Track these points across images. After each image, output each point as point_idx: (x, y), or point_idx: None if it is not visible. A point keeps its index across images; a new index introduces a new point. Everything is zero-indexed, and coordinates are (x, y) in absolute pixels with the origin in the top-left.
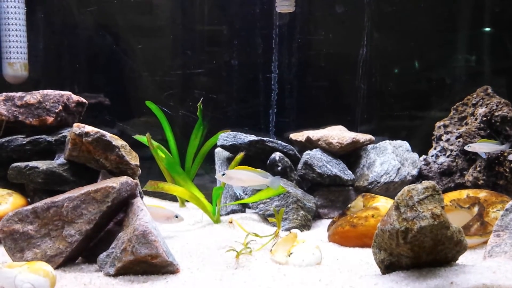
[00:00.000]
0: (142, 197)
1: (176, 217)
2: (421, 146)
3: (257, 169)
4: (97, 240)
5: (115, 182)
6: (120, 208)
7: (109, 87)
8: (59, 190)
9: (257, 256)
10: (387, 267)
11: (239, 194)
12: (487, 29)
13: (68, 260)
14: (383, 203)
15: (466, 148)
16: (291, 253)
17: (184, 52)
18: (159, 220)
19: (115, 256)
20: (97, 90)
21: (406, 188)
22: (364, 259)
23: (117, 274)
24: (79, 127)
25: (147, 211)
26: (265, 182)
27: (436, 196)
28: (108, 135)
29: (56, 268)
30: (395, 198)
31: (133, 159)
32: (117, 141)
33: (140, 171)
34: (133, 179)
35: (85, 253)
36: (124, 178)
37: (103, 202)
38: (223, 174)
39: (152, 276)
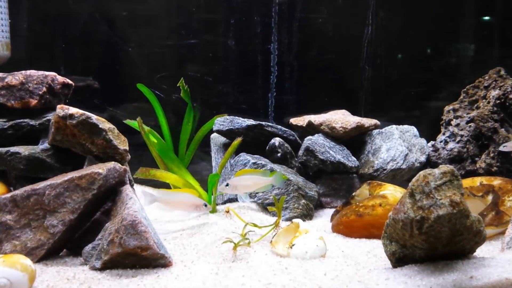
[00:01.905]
0: (132, 185)
1: (205, 205)
2: (428, 131)
3: (254, 170)
4: (82, 231)
5: (101, 168)
6: (107, 197)
7: (98, 70)
8: (42, 177)
9: (256, 248)
10: (399, 260)
11: (243, 200)
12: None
13: (50, 253)
14: (391, 191)
15: (501, 148)
16: (293, 245)
17: (178, 32)
18: (186, 209)
19: (102, 248)
20: (85, 72)
21: (421, 173)
22: (372, 251)
23: (103, 267)
24: (63, 109)
25: (137, 199)
26: (270, 182)
27: (455, 181)
28: (94, 117)
29: (38, 261)
30: (410, 184)
31: (122, 143)
32: (104, 124)
33: (130, 156)
34: (122, 165)
35: (69, 245)
36: (111, 164)
37: (88, 189)
38: (227, 185)
39: (142, 270)
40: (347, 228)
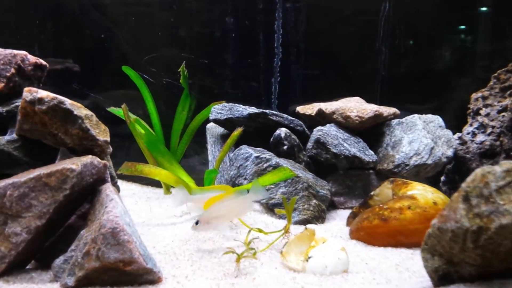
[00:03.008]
0: (115, 183)
1: None
2: (452, 121)
3: (220, 186)
4: (54, 238)
5: (75, 163)
6: (84, 197)
7: (78, 51)
8: (8, 174)
9: (264, 260)
10: (443, 278)
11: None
12: None
13: (13, 267)
14: (421, 191)
15: None
16: (309, 257)
17: (170, 7)
18: None
19: (76, 261)
20: (64, 54)
21: (478, 171)
22: (402, 263)
23: (78, 285)
24: (30, 92)
25: (119, 201)
26: (250, 200)
27: None
28: (68, 102)
29: None
30: (463, 185)
31: (102, 133)
32: (80, 110)
33: (111, 149)
34: (102, 159)
35: (38, 255)
36: (88, 158)
37: (59, 189)
38: (197, 223)
39: None
40: (369, 234)
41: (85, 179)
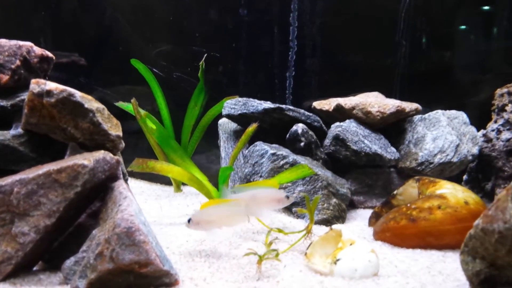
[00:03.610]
0: (126, 180)
1: (287, 197)
2: (475, 118)
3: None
4: (64, 238)
5: (87, 159)
6: (95, 195)
7: (85, 44)
8: (14, 171)
9: (286, 261)
10: (484, 282)
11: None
12: None
13: (19, 268)
14: (451, 190)
15: None
16: (337, 259)
17: None
18: (267, 206)
19: (87, 263)
20: (70, 47)
21: None
22: (433, 266)
23: None
24: (38, 84)
25: (133, 199)
26: (242, 213)
27: None
28: (78, 95)
29: (3, 280)
30: None
31: (114, 127)
32: (91, 103)
33: (123, 144)
34: (114, 154)
35: (46, 256)
36: (100, 154)
37: (69, 186)
38: (189, 221)
39: None
40: (396, 236)
41: (97, 175)
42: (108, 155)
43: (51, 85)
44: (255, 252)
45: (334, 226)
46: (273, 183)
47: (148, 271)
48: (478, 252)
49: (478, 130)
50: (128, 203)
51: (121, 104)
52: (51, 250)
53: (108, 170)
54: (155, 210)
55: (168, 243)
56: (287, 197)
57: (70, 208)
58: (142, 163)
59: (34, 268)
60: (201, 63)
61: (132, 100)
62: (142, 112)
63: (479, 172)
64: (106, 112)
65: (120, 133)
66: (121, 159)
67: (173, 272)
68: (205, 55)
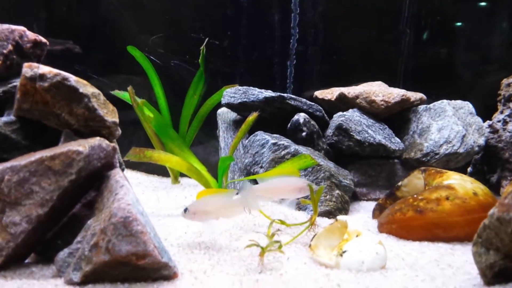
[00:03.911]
0: (123, 169)
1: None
2: (480, 108)
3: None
4: (57, 229)
5: (82, 145)
6: (91, 184)
7: (80, 31)
8: (6, 158)
9: (289, 253)
10: (498, 275)
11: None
12: None
13: (11, 260)
14: (459, 181)
15: None
16: (343, 251)
17: None
18: (288, 195)
19: (82, 255)
20: (64, 34)
21: None
22: (441, 259)
23: (84, 281)
24: (31, 68)
25: (130, 188)
26: (237, 204)
27: None
28: (73, 79)
29: None
30: None
31: (110, 114)
32: (86, 88)
33: (120, 131)
34: (110, 142)
35: (38, 248)
36: (96, 140)
37: (63, 174)
38: (185, 211)
39: (138, 285)
40: (403, 228)
41: (92, 163)
42: (104, 142)
43: (45, 69)
44: (257, 243)
45: (339, 217)
46: (294, 170)
47: (146, 263)
48: (492, 243)
49: (483, 121)
50: (125, 192)
51: (117, 92)
52: (44, 242)
53: (104, 158)
54: (153, 201)
55: (166, 235)
56: (309, 185)
57: (64, 197)
58: (139, 153)
59: (26, 261)
60: (202, 48)
61: (128, 88)
62: (139, 100)
63: (484, 164)
64: (102, 97)
65: (117, 120)
66: (117, 147)
67: (172, 265)
68: (207, 39)
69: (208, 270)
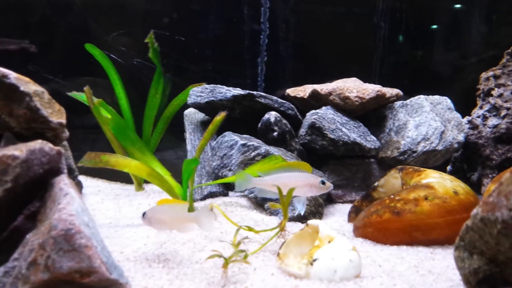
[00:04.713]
0: (75, 177)
1: (323, 183)
2: (458, 104)
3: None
4: None
5: (19, 149)
6: (34, 193)
7: (36, 30)
8: None
9: (257, 264)
10: (483, 282)
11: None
12: None
13: None
14: (438, 179)
15: None
16: (314, 260)
17: None
18: (297, 191)
19: (19, 273)
20: (18, 33)
21: None
22: (421, 264)
23: None
24: None
25: (75, 196)
26: (192, 220)
27: None
28: (13, 76)
29: None
30: None
31: (55, 114)
32: (28, 86)
33: (68, 133)
34: (56, 145)
35: None
36: (36, 144)
37: None
38: (144, 215)
39: None
40: (379, 231)
41: (32, 169)
42: (47, 146)
43: None
44: (220, 254)
45: (310, 222)
46: (305, 165)
47: (91, 281)
48: (476, 246)
49: (462, 117)
50: (69, 201)
51: (74, 94)
52: None
53: (47, 163)
54: (113, 210)
55: (123, 247)
56: (323, 182)
57: (1, 208)
58: (94, 157)
59: None
60: (148, 39)
61: (85, 88)
62: (96, 100)
63: (464, 162)
64: (46, 96)
65: (63, 121)
66: (63, 150)
67: (123, 281)
68: (151, 31)
69: (166, 285)
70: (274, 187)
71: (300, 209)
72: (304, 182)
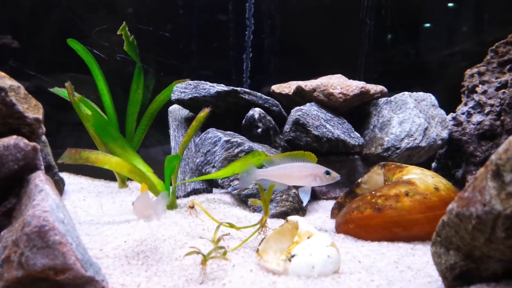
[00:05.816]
0: (55, 173)
1: (328, 173)
2: (443, 101)
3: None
4: None
5: None
6: (9, 190)
7: (19, 25)
8: None
9: (236, 260)
10: (459, 277)
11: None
12: None
13: None
14: (419, 175)
15: None
16: (292, 256)
17: None
18: (301, 182)
19: None
20: (0, 29)
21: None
22: (401, 260)
23: None
24: None
25: (50, 192)
26: (156, 205)
27: None
28: None
29: None
30: (492, 157)
31: (32, 109)
32: (4, 81)
33: (44, 129)
34: (32, 141)
35: None
36: (11, 139)
37: None
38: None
39: None
40: (361, 227)
41: (6, 165)
42: (22, 141)
43: None
44: (199, 250)
45: (290, 218)
46: (311, 155)
47: (66, 278)
48: (452, 242)
49: (446, 114)
50: (43, 197)
51: (56, 90)
52: None
53: (22, 159)
54: (95, 208)
55: (102, 245)
56: (327, 172)
57: None
58: (75, 154)
59: None
60: (121, 30)
61: (66, 84)
62: (78, 95)
63: (448, 159)
64: (22, 91)
65: (40, 116)
66: (39, 146)
67: (100, 278)
68: (124, 23)
69: (143, 283)
70: (279, 178)
71: (305, 200)
72: (309, 172)
